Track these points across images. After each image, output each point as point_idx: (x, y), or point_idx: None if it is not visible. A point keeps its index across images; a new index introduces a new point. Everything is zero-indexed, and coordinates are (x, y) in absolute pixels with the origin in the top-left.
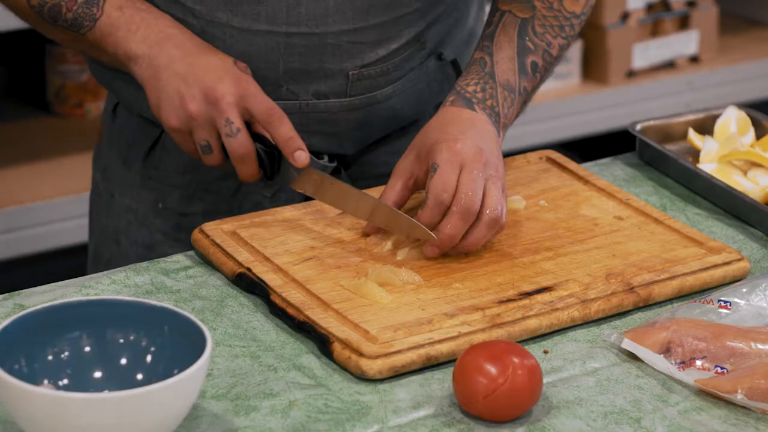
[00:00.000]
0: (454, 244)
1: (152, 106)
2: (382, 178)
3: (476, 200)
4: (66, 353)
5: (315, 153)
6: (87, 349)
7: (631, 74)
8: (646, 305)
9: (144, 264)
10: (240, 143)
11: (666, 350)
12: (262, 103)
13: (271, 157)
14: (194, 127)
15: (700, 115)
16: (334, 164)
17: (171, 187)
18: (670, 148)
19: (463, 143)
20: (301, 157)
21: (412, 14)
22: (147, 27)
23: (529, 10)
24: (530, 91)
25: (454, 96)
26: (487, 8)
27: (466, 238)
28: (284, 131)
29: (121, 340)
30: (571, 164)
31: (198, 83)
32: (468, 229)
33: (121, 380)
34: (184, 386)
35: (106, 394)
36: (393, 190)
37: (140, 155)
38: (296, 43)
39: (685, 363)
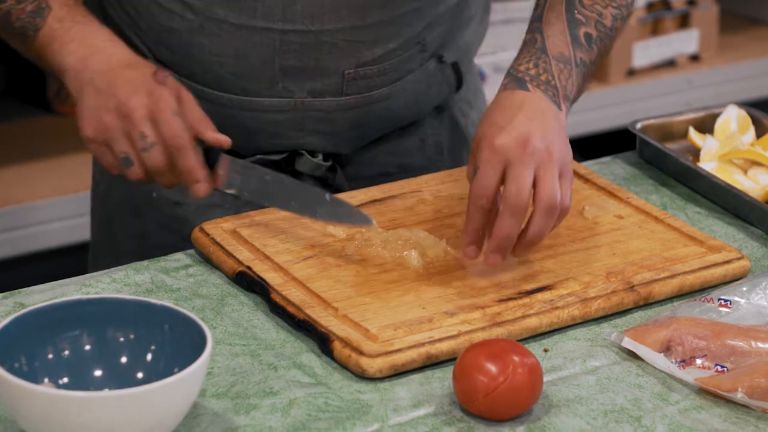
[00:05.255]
0: (511, 243)
1: (77, 118)
2: (379, 178)
3: (523, 195)
4: (66, 352)
5: (310, 152)
6: (87, 347)
7: (632, 73)
8: (647, 304)
9: (144, 262)
10: (154, 158)
11: (666, 349)
12: (169, 128)
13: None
14: (112, 140)
15: (701, 114)
16: (329, 163)
17: None
18: (671, 146)
19: (505, 136)
20: (199, 190)
21: (410, 14)
22: (80, 41)
23: None
24: (589, 64)
25: (507, 78)
26: (492, 13)
27: (525, 233)
28: (184, 163)
29: (122, 339)
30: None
31: (114, 97)
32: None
33: (121, 379)
34: (184, 385)
35: (106, 393)
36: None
37: None
38: (292, 40)
39: (686, 361)
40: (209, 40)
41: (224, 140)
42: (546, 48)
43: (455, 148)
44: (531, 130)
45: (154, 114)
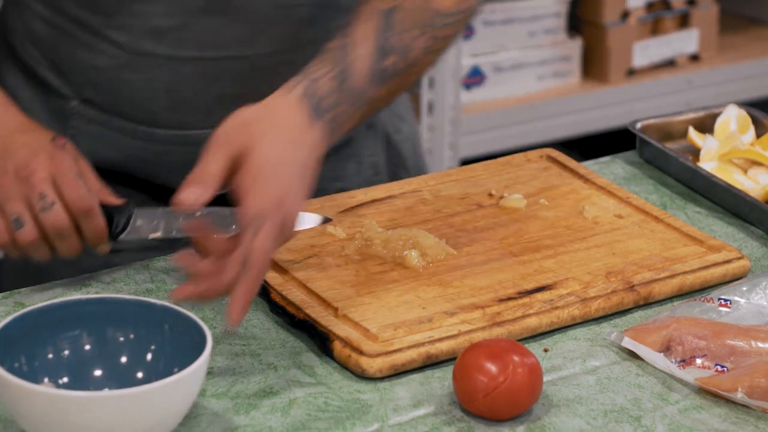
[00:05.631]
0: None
1: None
2: (319, 194)
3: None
4: (66, 351)
5: None
6: (87, 347)
7: (632, 73)
8: (647, 303)
9: (144, 262)
10: (56, 217)
11: (666, 348)
12: (72, 191)
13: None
14: (4, 201)
15: (701, 114)
16: None
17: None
18: (671, 146)
19: (260, 199)
20: (105, 249)
21: (341, 27)
22: None
23: (393, 0)
24: (378, 100)
25: (301, 83)
26: (492, 13)
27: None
28: (94, 225)
29: (122, 339)
30: (572, 163)
31: (11, 159)
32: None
33: (121, 378)
34: (184, 384)
35: (105, 393)
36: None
37: None
38: (226, 67)
39: (686, 361)
40: (138, 75)
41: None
42: (347, 74)
43: (392, 166)
44: (285, 189)
45: (56, 177)
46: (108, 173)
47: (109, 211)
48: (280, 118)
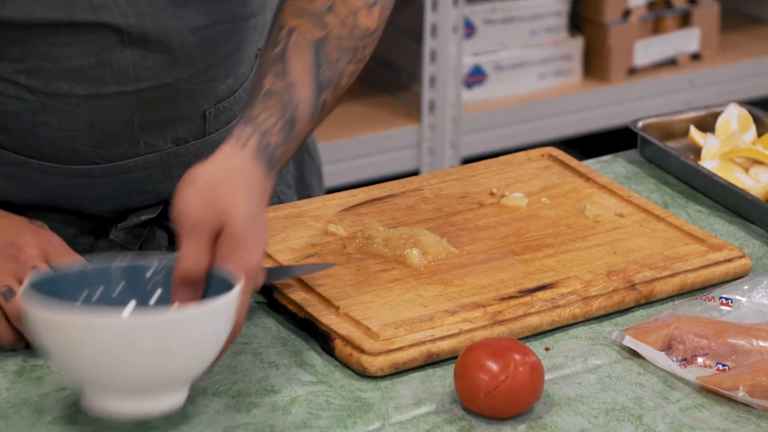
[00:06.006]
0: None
1: None
2: None
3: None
4: (97, 297)
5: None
6: (118, 290)
7: (633, 71)
8: (648, 302)
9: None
10: None
11: (667, 347)
12: (66, 258)
13: None
14: None
15: (702, 113)
16: None
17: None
18: (672, 145)
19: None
20: None
21: (250, 33)
22: None
23: (322, 29)
24: (308, 133)
25: (250, 131)
26: (493, 12)
27: None
28: None
29: (150, 287)
30: (573, 161)
31: None
32: None
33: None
34: (218, 313)
35: (164, 314)
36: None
37: None
38: (148, 97)
39: (687, 360)
40: (56, 116)
41: None
42: (295, 121)
43: (302, 175)
44: (261, 250)
45: (47, 251)
46: (29, 207)
47: None
48: (241, 176)
